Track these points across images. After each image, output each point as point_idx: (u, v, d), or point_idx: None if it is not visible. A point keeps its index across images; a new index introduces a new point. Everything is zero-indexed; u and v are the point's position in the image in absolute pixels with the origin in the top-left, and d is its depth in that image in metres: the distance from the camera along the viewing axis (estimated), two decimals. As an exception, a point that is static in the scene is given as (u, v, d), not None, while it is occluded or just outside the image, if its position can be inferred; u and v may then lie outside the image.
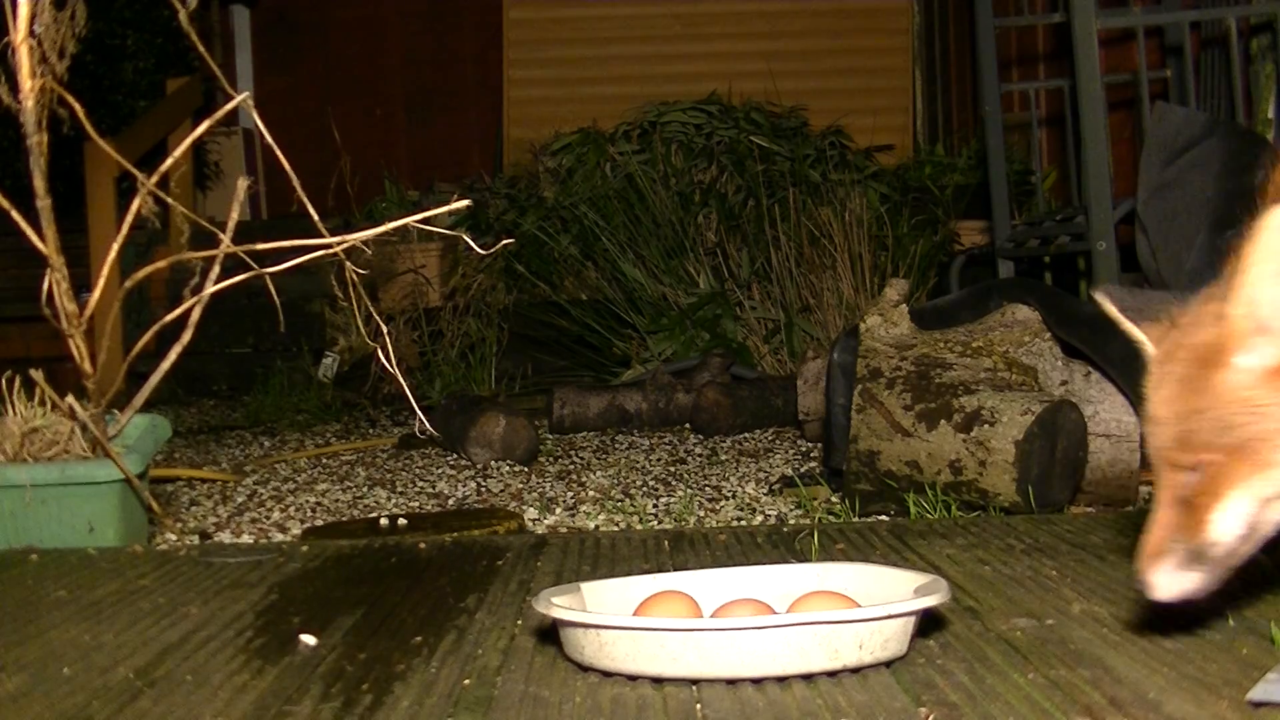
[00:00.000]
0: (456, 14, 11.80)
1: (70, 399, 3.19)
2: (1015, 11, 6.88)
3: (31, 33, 3.02)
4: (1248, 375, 1.62)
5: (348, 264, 3.04)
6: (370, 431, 6.10)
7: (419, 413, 3.13)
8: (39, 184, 3.14)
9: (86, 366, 3.22)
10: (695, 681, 1.82)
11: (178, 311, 3.24)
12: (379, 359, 3.02)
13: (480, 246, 3.20)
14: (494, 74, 10.57)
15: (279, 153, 3.01)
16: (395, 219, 3.10)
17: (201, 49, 3.08)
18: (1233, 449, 1.62)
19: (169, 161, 3.38)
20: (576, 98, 9.37)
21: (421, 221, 3.11)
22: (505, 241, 3.67)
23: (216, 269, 3.20)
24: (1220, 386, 1.64)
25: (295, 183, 3.02)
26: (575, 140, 8.16)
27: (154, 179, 3.17)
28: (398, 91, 12.04)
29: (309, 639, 2.14)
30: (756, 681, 1.81)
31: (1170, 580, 1.69)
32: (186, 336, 3.23)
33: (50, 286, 3.18)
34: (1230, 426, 1.62)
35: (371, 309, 3.12)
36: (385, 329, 3.05)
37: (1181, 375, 1.67)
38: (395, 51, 12.06)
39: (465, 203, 3.26)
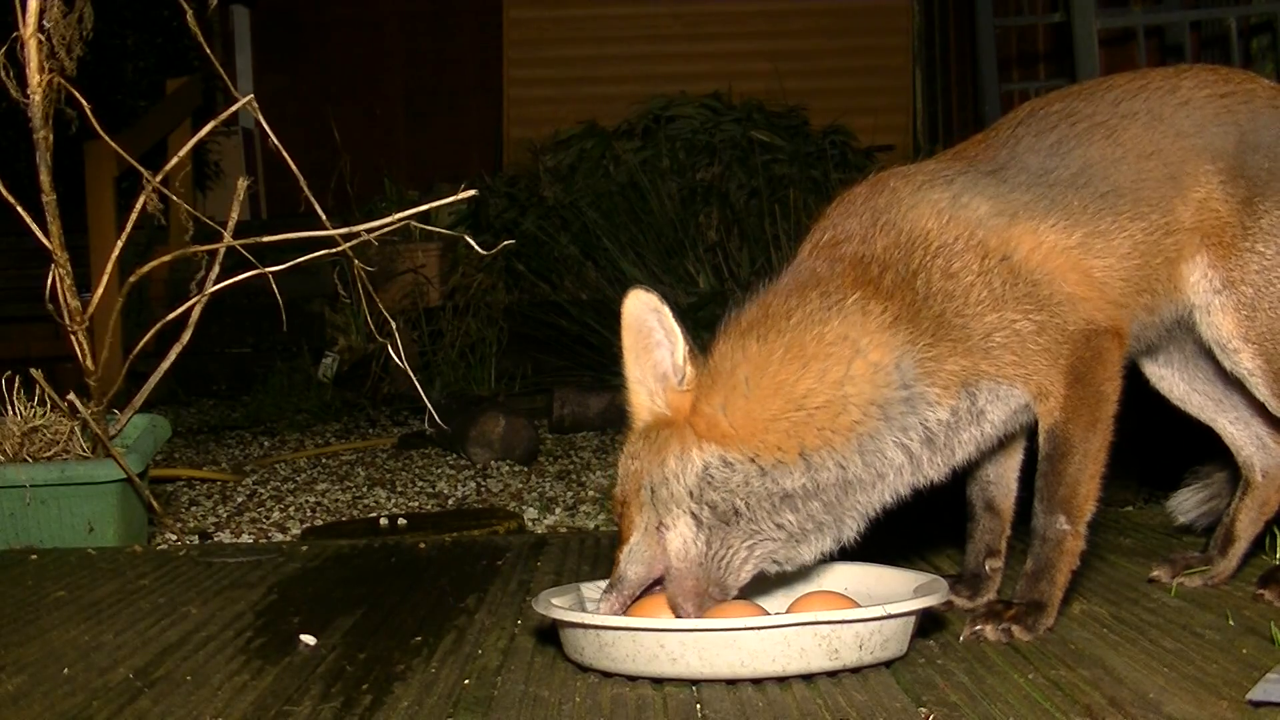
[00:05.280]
0: (456, 14, 11.79)
1: (71, 396, 3.19)
2: (1015, 11, 6.88)
3: (40, 28, 3.02)
4: (635, 435, 2.00)
5: (356, 261, 3.05)
6: (370, 431, 6.10)
7: (430, 408, 3.13)
8: (45, 179, 3.14)
9: (89, 364, 3.22)
10: (695, 682, 1.82)
11: (178, 311, 3.24)
12: (389, 354, 3.01)
13: (480, 246, 3.20)
14: (494, 74, 10.55)
15: (285, 154, 3.01)
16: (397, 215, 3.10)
17: (208, 51, 3.08)
18: (628, 496, 1.97)
19: (173, 161, 3.38)
20: (576, 97, 9.34)
21: (422, 222, 3.11)
22: (506, 243, 3.67)
23: (217, 269, 3.20)
24: (624, 446, 2.00)
25: (302, 181, 3.02)
26: (580, 132, 8.14)
27: (159, 177, 3.17)
28: (398, 91, 12.03)
29: (309, 639, 2.14)
30: (756, 682, 1.81)
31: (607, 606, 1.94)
32: (186, 336, 3.23)
33: (54, 282, 3.18)
34: (625, 475, 1.99)
35: (380, 305, 3.12)
36: (394, 325, 3.05)
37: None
38: (395, 51, 12.05)
39: (471, 192, 3.25)
